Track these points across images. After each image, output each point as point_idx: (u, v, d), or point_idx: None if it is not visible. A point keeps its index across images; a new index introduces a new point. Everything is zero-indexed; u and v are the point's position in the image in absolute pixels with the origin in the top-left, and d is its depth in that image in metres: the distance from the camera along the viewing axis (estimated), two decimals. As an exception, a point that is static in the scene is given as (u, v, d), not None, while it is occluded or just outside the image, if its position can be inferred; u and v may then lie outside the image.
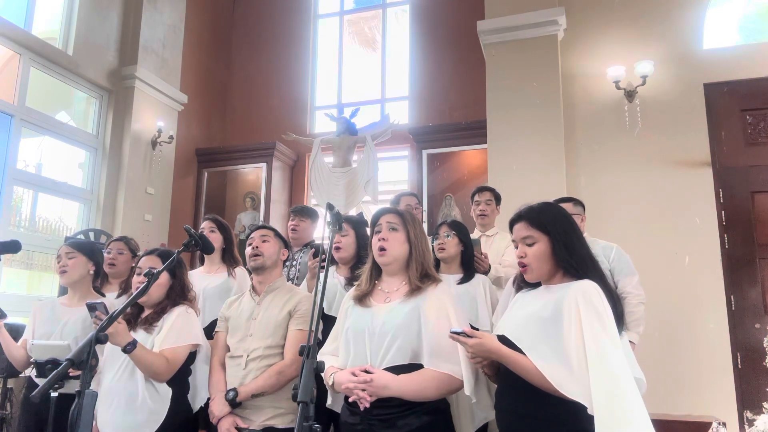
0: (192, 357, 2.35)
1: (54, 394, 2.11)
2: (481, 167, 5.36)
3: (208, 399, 2.35)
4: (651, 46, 4.64)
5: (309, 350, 1.46)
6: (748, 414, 3.98)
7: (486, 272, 2.83)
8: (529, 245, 1.70)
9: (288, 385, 2.22)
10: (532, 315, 1.65)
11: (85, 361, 1.52)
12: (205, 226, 3.23)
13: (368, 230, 2.24)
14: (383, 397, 1.78)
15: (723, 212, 4.29)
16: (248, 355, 2.27)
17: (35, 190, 4.97)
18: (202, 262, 3.31)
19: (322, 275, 1.74)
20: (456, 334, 1.65)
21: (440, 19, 6.41)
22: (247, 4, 7.31)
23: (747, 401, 3.99)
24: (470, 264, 2.73)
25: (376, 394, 1.77)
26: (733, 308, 4.12)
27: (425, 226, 5.08)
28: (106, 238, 4.27)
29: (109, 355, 2.28)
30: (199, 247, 2.06)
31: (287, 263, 3.43)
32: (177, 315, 2.31)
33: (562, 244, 1.67)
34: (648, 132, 4.52)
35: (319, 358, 1.68)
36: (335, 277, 2.73)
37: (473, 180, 5.42)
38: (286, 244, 2.57)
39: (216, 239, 3.15)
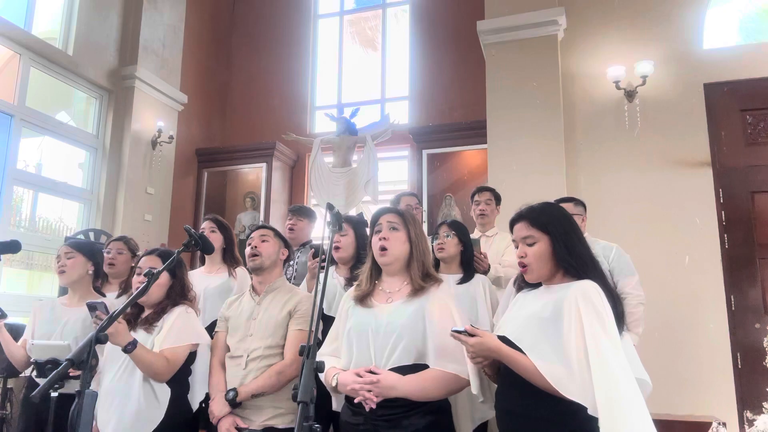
0: (192, 357, 2.35)
1: (54, 394, 2.10)
2: (481, 167, 5.35)
3: (208, 399, 2.35)
4: (651, 46, 4.64)
5: (309, 350, 1.46)
6: (748, 414, 3.98)
7: (485, 272, 2.83)
8: (530, 245, 1.70)
9: (288, 385, 2.22)
10: (533, 315, 1.65)
11: (85, 361, 1.52)
12: (206, 226, 3.23)
13: (368, 230, 2.24)
14: (388, 398, 1.77)
15: (723, 212, 4.29)
16: (248, 355, 2.27)
17: (35, 190, 4.97)
18: (203, 262, 3.31)
19: (321, 275, 1.73)
20: (457, 333, 1.65)
21: (440, 19, 6.41)
22: (247, 4, 7.31)
23: (747, 401, 3.99)
24: (470, 264, 2.72)
25: (383, 394, 1.76)
26: (733, 308, 4.12)
27: (425, 226, 5.08)
28: (106, 238, 4.27)
29: (109, 355, 2.28)
30: (199, 247, 2.06)
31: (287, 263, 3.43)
32: (177, 315, 2.31)
33: (563, 244, 1.67)
34: (648, 132, 4.52)
35: (318, 359, 1.68)
36: (335, 278, 2.73)
37: (473, 180, 5.42)
38: (287, 244, 2.57)
39: (216, 239, 3.15)
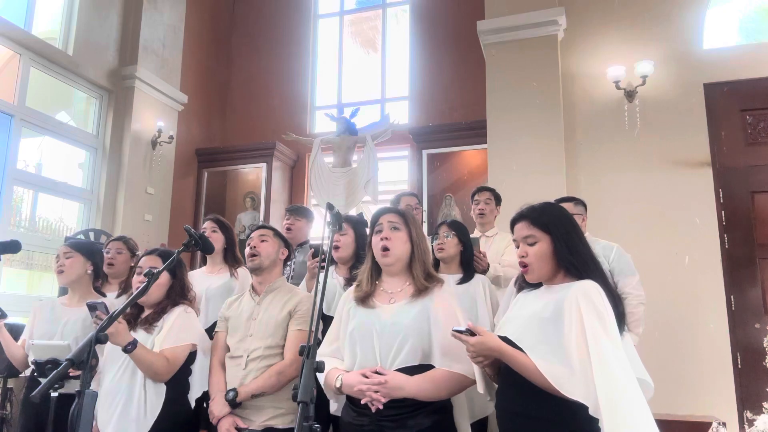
0: (192, 357, 2.35)
1: (54, 394, 2.10)
2: (481, 167, 5.35)
3: (208, 399, 2.35)
4: (651, 46, 4.64)
5: (309, 350, 1.46)
6: (748, 414, 3.98)
7: (484, 271, 2.83)
8: (531, 245, 1.69)
9: (288, 386, 2.22)
10: (533, 315, 1.65)
11: (85, 361, 1.52)
12: (207, 227, 3.22)
13: (367, 230, 2.24)
14: (395, 398, 1.77)
15: (723, 212, 4.28)
16: (248, 356, 2.27)
17: (35, 190, 4.97)
18: (204, 263, 3.30)
19: (321, 275, 1.73)
20: (458, 333, 1.65)
21: (440, 19, 6.41)
22: (247, 4, 7.30)
23: (747, 401, 3.99)
24: (470, 264, 2.72)
25: (390, 395, 1.76)
26: (733, 308, 4.12)
27: (425, 226, 5.08)
28: (106, 238, 4.27)
29: (109, 355, 2.28)
30: (199, 247, 2.06)
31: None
32: (177, 315, 2.31)
33: (564, 244, 1.67)
34: (648, 132, 4.52)
35: (318, 359, 1.67)
36: (334, 277, 2.73)
37: (473, 180, 5.42)
38: (287, 244, 2.57)
39: (218, 239, 3.15)
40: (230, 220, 6.13)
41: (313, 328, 1.52)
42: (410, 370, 1.81)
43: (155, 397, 2.19)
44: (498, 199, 3.48)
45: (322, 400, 1.98)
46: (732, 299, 4.14)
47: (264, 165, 6.28)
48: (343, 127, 5.65)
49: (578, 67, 4.82)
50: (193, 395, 2.36)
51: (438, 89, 6.24)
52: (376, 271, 2.02)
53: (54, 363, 2.10)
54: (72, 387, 1.86)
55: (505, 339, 1.66)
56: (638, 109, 4.53)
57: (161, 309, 2.33)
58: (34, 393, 1.48)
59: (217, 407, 2.23)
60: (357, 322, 1.93)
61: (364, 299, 1.97)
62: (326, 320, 2.40)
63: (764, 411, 3.96)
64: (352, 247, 2.74)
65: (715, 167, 4.36)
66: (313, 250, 2.81)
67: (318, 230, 4.46)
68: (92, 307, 2.17)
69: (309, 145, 5.95)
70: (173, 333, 2.25)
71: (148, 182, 5.58)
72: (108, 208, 5.28)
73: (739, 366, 4.04)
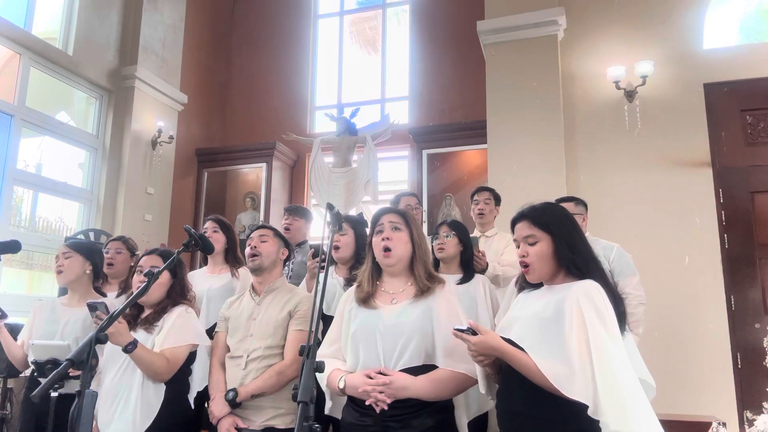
0: (192, 357, 2.35)
1: (54, 394, 2.10)
2: (481, 167, 5.35)
3: (208, 398, 2.35)
4: (651, 46, 4.64)
5: (309, 350, 1.46)
6: (748, 414, 3.98)
7: (483, 270, 2.83)
8: (531, 244, 1.69)
9: (288, 386, 2.22)
10: (534, 315, 1.65)
11: (85, 361, 1.52)
12: (209, 227, 3.21)
13: (367, 230, 2.24)
14: (399, 398, 1.78)
15: (723, 212, 4.28)
16: (248, 356, 2.27)
17: (35, 190, 4.97)
18: (205, 263, 3.30)
19: (321, 275, 1.73)
20: (460, 332, 1.65)
21: (440, 19, 6.41)
22: (247, 4, 7.30)
23: (747, 401, 3.99)
24: (470, 264, 2.72)
25: (395, 395, 1.76)
26: (733, 308, 4.12)
27: (425, 226, 5.08)
28: (106, 238, 4.27)
29: (109, 355, 2.28)
30: (199, 247, 2.06)
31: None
32: (177, 315, 2.30)
33: (565, 244, 1.67)
34: (648, 132, 4.52)
35: (318, 359, 1.67)
36: (334, 278, 2.73)
37: (473, 180, 5.42)
38: (287, 244, 2.56)
39: (219, 239, 3.14)
40: (230, 220, 6.13)
41: (313, 328, 1.52)
42: (413, 371, 1.81)
43: (155, 397, 2.19)
44: (497, 199, 3.49)
45: (322, 400, 1.98)
46: (732, 299, 4.14)
47: (264, 165, 6.28)
48: (343, 127, 5.65)
49: (578, 67, 4.82)
50: (193, 395, 2.36)
51: (438, 89, 6.24)
52: (377, 271, 2.02)
53: (54, 363, 2.10)
54: (72, 387, 1.86)
55: (506, 339, 1.66)
56: (638, 109, 4.53)
57: (161, 309, 2.33)
58: (34, 393, 1.48)
59: (217, 407, 2.23)
60: (359, 324, 1.93)
61: (365, 300, 1.97)
62: (326, 320, 2.40)
63: (764, 411, 3.96)
64: (352, 247, 2.74)
65: (715, 167, 4.36)
66: (313, 250, 2.81)
67: (317, 230, 4.46)
68: (92, 307, 2.17)
69: (309, 145, 5.95)
70: (173, 333, 2.25)
71: (148, 182, 5.58)
72: (108, 208, 5.28)
73: (739, 366, 4.04)
